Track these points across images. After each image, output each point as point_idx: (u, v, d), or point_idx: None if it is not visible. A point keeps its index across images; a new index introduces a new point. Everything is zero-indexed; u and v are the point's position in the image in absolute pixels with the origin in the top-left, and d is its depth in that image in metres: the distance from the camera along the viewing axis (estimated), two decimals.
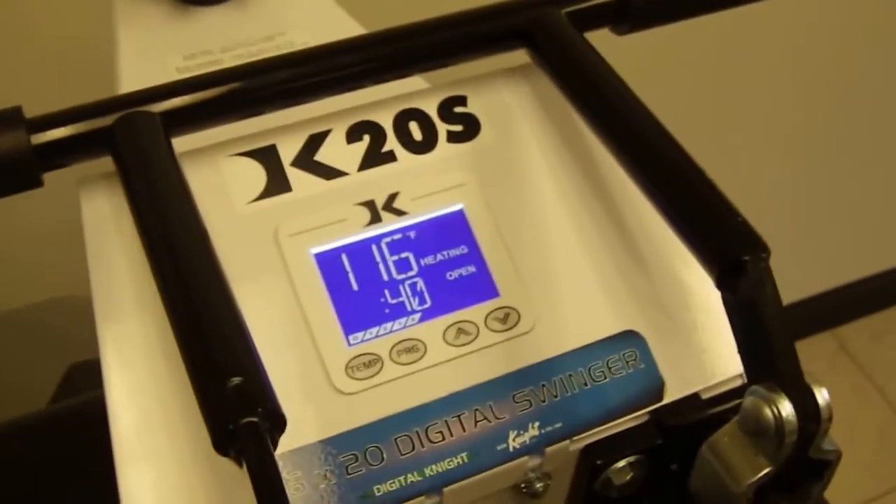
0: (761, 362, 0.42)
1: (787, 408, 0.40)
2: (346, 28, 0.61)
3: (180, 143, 0.48)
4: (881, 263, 1.88)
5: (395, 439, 0.46)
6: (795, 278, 1.77)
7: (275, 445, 0.37)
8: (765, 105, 1.47)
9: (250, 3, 0.65)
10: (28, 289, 1.12)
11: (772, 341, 0.41)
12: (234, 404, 0.36)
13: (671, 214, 0.44)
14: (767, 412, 0.40)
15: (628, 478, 0.49)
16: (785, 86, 1.46)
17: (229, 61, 0.60)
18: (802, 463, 0.43)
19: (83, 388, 0.87)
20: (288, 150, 0.50)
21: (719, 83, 1.39)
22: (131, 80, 0.60)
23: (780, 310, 0.41)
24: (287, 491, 0.41)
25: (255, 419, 0.36)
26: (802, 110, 1.51)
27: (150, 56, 0.62)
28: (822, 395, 0.41)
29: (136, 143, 0.46)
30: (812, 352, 1.83)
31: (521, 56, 0.53)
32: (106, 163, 0.47)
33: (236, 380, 0.37)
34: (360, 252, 0.48)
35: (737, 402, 0.47)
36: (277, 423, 0.37)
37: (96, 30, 0.68)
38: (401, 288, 0.48)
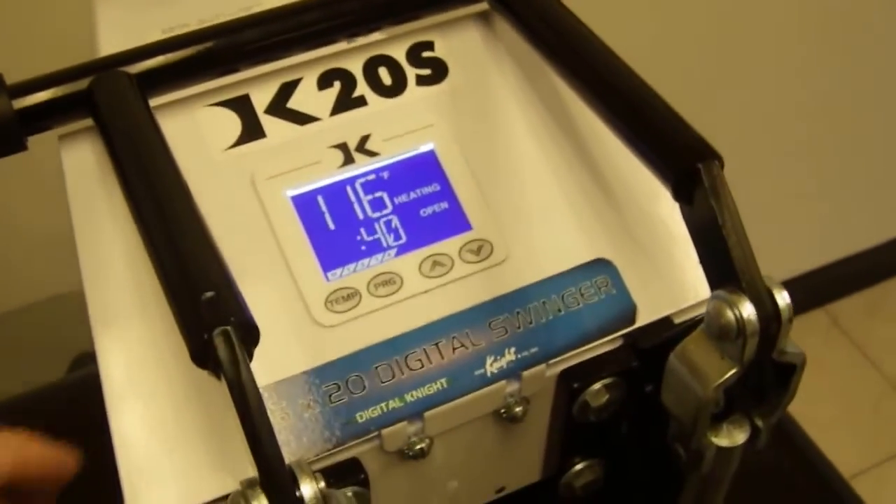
0: (721, 268, 0.43)
1: (747, 308, 0.42)
2: None
3: (158, 98, 0.50)
4: (871, 239, 1.89)
5: (376, 368, 0.47)
6: (788, 255, 1.78)
7: (250, 356, 0.38)
8: (757, 81, 1.48)
9: None
10: (32, 286, 1.13)
11: (729, 246, 0.42)
12: (208, 316, 0.38)
13: (628, 135, 0.46)
14: (729, 314, 0.42)
15: (604, 400, 0.50)
16: (780, 59, 1.47)
17: None
18: (768, 367, 0.44)
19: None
20: (261, 99, 0.52)
21: (711, 56, 1.40)
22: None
23: (736, 216, 0.43)
24: (273, 421, 0.43)
25: (227, 328, 0.37)
26: (795, 87, 1.52)
27: (129, 32, 0.63)
28: (781, 297, 0.43)
29: (113, 102, 0.47)
30: (806, 328, 1.84)
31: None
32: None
33: (209, 294, 0.38)
34: (336, 193, 0.50)
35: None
36: (250, 332, 0.38)
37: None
38: (376, 225, 0.50)
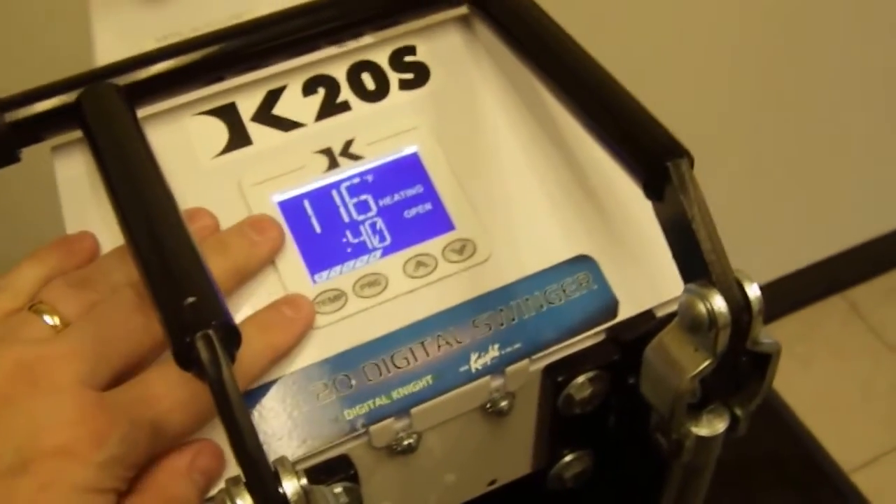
0: (692, 263, 0.44)
1: (718, 301, 0.43)
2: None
3: (147, 108, 0.51)
4: (890, 223, 1.89)
5: (363, 367, 0.48)
6: (806, 242, 1.79)
7: (232, 359, 0.39)
8: (772, 65, 1.48)
9: None
10: None
11: (699, 241, 0.43)
12: (190, 320, 0.39)
13: (601, 133, 0.47)
14: (701, 307, 0.43)
15: (588, 393, 0.51)
16: (799, 41, 1.47)
17: None
18: (743, 358, 0.45)
19: None
20: (247, 107, 0.53)
21: (727, 39, 1.41)
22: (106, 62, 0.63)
23: (706, 211, 0.44)
24: (263, 420, 0.45)
25: (209, 331, 0.39)
26: (811, 72, 1.53)
27: (125, 41, 0.65)
28: (752, 289, 0.44)
29: (100, 113, 0.49)
30: (824, 313, 1.84)
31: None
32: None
33: (191, 299, 0.40)
34: (321, 197, 0.51)
35: None
36: (231, 336, 0.40)
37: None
38: (361, 228, 0.51)
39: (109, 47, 0.62)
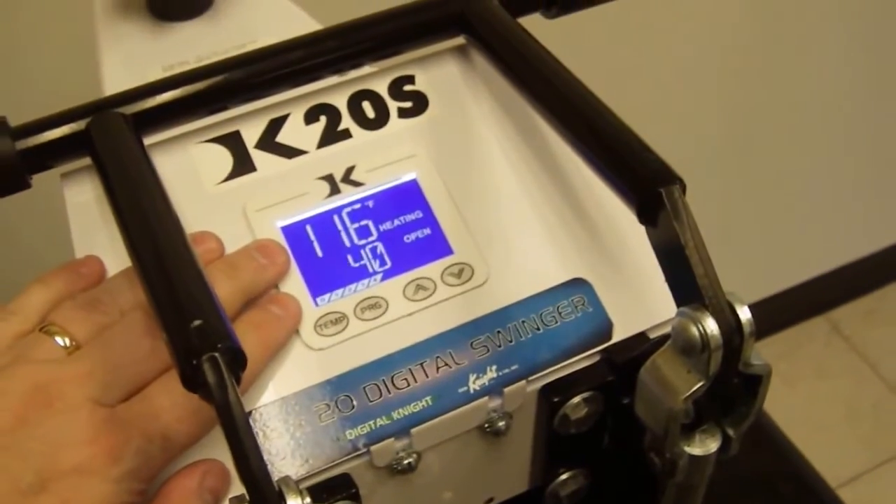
0: (685, 286, 0.45)
1: (710, 324, 0.44)
2: (312, 30, 0.65)
3: (154, 136, 0.53)
4: (870, 246, 1.91)
5: (364, 388, 0.49)
6: (789, 264, 1.80)
7: (238, 381, 0.41)
8: (755, 92, 1.50)
9: (222, 16, 0.69)
10: None
11: (692, 266, 0.45)
12: (196, 343, 0.40)
13: (594, 160, 0.48)
14: (694, 330, 0.44)
15: (584, 413, 0.52)
16: (779, 73, 1.49)
17: None
18: (735, 379, 0.47)
19: None
20: (251, 135, 0.54)
21: (707, 58, 1.42)
22: (114, 91, 0.65)
23: (698, 236, 0.45)
24: (266, 440, 0.46)
25: (215, 354, 0.40)
26: (794, 94, 1.54)
27: (132, 69, 0.66)
28: (743, 312, 0.45)
29: (108, 141, 0.50)
30: (807, 334, 1.86)
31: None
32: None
33: (197, 322, 0.41)
34: (323, 222, 0.53)
35: None
36: (237, 358, 0.41)
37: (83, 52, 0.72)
38: (362, 252, 0.52)
39: (117, 75, 0.64)
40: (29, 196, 0.51)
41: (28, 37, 0.99)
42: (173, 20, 0.69)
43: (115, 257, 0.51)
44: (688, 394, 0.45)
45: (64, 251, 0.51)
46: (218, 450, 0.47)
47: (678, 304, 0.46)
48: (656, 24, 1.31)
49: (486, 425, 0.52)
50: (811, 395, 1.76)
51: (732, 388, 0.47)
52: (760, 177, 1.61)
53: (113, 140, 0.49)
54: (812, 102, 1.58)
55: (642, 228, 0.52)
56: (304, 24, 0.68)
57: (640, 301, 0.53)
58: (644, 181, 0.45)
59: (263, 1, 0.71)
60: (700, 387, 0.45)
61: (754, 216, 1.68)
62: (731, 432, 0.49)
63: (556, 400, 0.52)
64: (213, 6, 0.70)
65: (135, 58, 0.67)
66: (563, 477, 0.57)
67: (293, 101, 0.55)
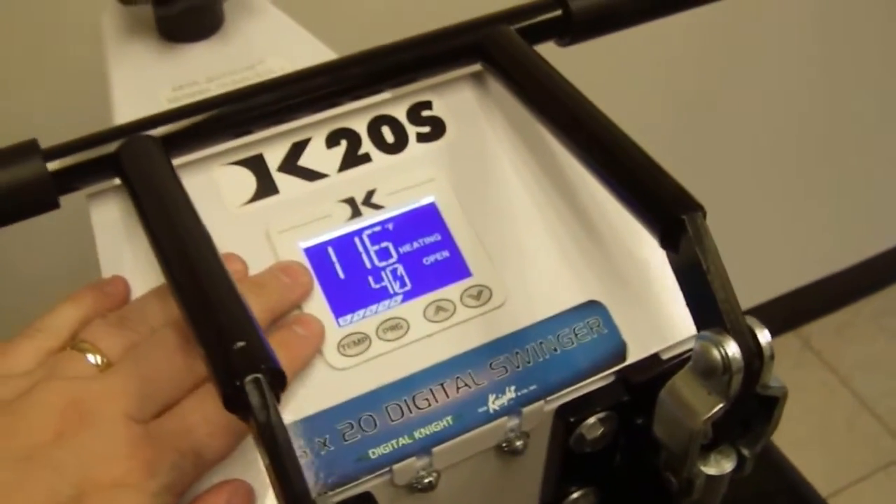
0: (706, 310, 0.46)
1: (732, 347, 0.45)
2: (319, 53, 0.66)
3: (180, 158, 0.54)
4: (841, 262, 1.94)
5: (386, 407, 0.50)
6: (759, 280, 1.82)
7: (277, 400, 0.41)
8: (728, 107, 1.52)
9: (231, 37, 0.70)
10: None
11: (713, 290, 0.46)
12: (240, 364, 0.41)
13: (615, 186, 0.49)
14: (715, 353, 0.45)
15: (599, 433, 0.54)
16: (752, 89, 1.51)
17: (215, 89, 0.65)
18: (752, 401, 0.48)
19: None
20: (274, 158, 0.55)
21: (677, 91, 1.44)
22: (124, 112, 0.65)
23: (719, 261, 0.46)
24: None
25: (258, 375, 0.41)
26: (766, 112, 1.56)
27: (141, 89, 0.67)
28: (763, 335, 0.46)
29: (140, 163, 0.51)
30: (779, 350, 1.88)
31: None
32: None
33: (240, 344, 0.41)
34: (345, 244, 0.54)
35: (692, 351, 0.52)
36: (278, 379, 0.41)
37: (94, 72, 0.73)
38: (383, 274, 0.53)
39: (127, 96, 0.65)
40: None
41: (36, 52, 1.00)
42: (182, 42, 0.70)
43: (141, 276, 0.52)
44: (708, 415, 0.46)
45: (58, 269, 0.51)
46: (240, 468, 0.48)
47: (698, 328, 0.47)
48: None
49: (504, 445, 0.53)
50: (784, 410, 1.77)
51: (748, 410, 0.49)
52: (729, 192, 1.63)
53: (145, 162, 0.50)
54: (784, 117, 1.60)
55: (655, 252, 0.53)
56: (310, 46, 0.69)
57: (653, 323, 0.54)
58: (667, 208, 0.47)
59: (271, 23, 0.72)
60: (720, 408, 0.46)
61: (724, 232, 1.70)
62: (745, 452, 0.50)
63: (572, 420, 0.53)
64: (222, 28, 0.70)
65: (144, 79, 0.68)
66: (575, 495, 0.58)
67: (315, 126, 0.56)
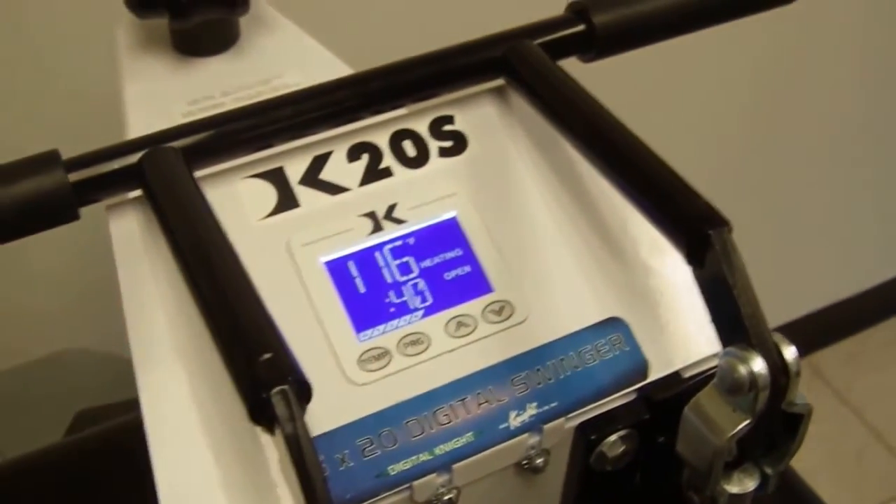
0: (732, 326, 0.46)
1: (759, 364, 0.45)
2: (335, 68, 0.66)
3: (200, 171, 0.53)
4: (850, 289, 1.93)
5: (406, 423, 0.50)
6: (768, 307, 1.82)
7: (303, 413, 0.41)
8: (731, 135, 1.52)
9: (246, 52, 0.70)
10: (33, 341, 1.15)
11: (740, 306, 0.46)
12: (267, 375, 0.40)
13: (641, 202, 0.49)
14: (742, 369, 0.45)
15: (620, 451, 0.53)
16: (744, 111, 1.51)
17: (231, 104, 0.65)
18: (777, 418, 0.47)
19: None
20: (295, 171, 0.55)
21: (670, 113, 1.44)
22: (138, 126, 0.65)
23: (746, 277, 0.46)
24: None
25: (285, 387, 0.40)
26: (771, 139, 1.57)
27: (156, 104, 0.67)
28: (789, 352, 0.46)
29: (163, 174, 0.51)
30: None
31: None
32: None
33: (267, 355, 0.41)
34: (366, 258, 0.53)
35: (716, 368, 0.51)
36: (304, 391, 0.41)
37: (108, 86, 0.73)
38: (404, 288, 0.53)
39: (141, 110, 0.64)
40: None
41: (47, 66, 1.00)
42: (198, 56, 0.69)
43: (159, 287, 0.51)
44: (733, 432, 0.46)
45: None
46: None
47: (724, 344, 0.47)
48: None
49: (525, 462, 0.52)
50: None
51: (773, 428, 0.48)
52: (736, 220, 1.63)
53: (168, 174, 0.50)
54: (789, 144, 1.60)
55: (677, 269, 0.53)
56: (326, 62, 0.69)
57: (675, 340, 0.54)
58: (693, 223, 0.46)
59: (287, 38, 0.71)
60: (746, 425, 0.46)
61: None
62: (769, 470, 0.50)
63: (593, 437, 0.53)
64: (238, 43, 0.70)
65: (159, 93, 0.68)
66: None
67: (336, 139, 0.56)
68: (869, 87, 1.62)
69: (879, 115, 1.66)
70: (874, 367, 1.94)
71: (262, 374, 0.41)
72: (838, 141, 1.65)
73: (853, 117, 1.63)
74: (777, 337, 0.46)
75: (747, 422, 0.46)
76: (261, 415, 0.41)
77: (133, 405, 0.78)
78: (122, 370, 1.05)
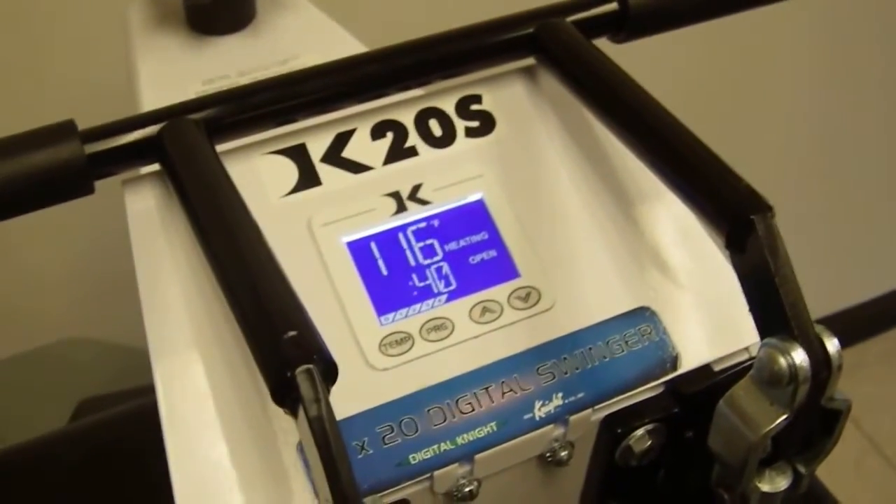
0: (772, 316, 0.44)
1: (800, 355, 0.43)
2: (354, 50, 0.65)
3: (220, 145, 0.51)
4: (849, 300, 1.92)
5: (428, 411, 0.48)
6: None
7: (328, 394, 0.39)
8: (737, 145, 1.51)
9: (263, 31, 0.68)
10: (36, 330, 1.14)
11: (782, 295, 0.44)
12: (292, 354, 0.39)
13: (680, 185, 0.47)
14: (782, 361, 0.43)
15: (647, 445, 0.51)
16: (751, 125, 1.50)
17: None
18: (815, 414, 0.46)
19: None
20: (317, 148, 0.53)
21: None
22: (153, 106, 0.63)
23: (788, 265, 0.44)
24: None
25: (310, 366, 0.38)
26: (770, 148, 1.55)
27: (170, 83, 0.65)
28: (832, 344, 0.44)
29: (184, 147, 0.49)
30: None
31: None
32: None
33: (292, 333, 0.39)
34: (389, 239, 0.51)
35: (748, 362, 0.50)
36: (330, 371, 0.39)
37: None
38: (427, 272, 0.51)
39: (155, 89, 0.63)
40: None
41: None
42: (213, 34, 0.68)
43: (175, 263, 0.49)
44: (770, 427, 0.44)
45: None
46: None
47: (762, 335, 0.45)
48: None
49: (549, 454, 0.51)
50: None
51: (810, 424, 0.46)
52: None
53: (189, 147, 0.48)
54: (791, 156, 1.59)
55: (710, 258, 0.51)
56: (342, 41, 0.68)
57: (707, 332, 0.52)
58: (735, 208, 0.45)
59: (303, 17, 0.70)
60: (783, 420, 0.44)
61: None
62: (802, 469, 0.48)
63: (619, 431, 0.51)
64: (254, 21, 0.69)
65: (173, 72, 0.66)
66: None
67: (360, 116, 0.54)
68: None
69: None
70: (872, 378, 1.92)
71: (287, 352, 0.39)
72: (830, 148, 1.64)
73: (833, 134, 1.62)
74: (819, 328, 0.44)
75: (784, 416, 0.44)
76: (284, 395, 0.39)
77: (136, 394, 0.77)
78: (126, 360, 1.04)
